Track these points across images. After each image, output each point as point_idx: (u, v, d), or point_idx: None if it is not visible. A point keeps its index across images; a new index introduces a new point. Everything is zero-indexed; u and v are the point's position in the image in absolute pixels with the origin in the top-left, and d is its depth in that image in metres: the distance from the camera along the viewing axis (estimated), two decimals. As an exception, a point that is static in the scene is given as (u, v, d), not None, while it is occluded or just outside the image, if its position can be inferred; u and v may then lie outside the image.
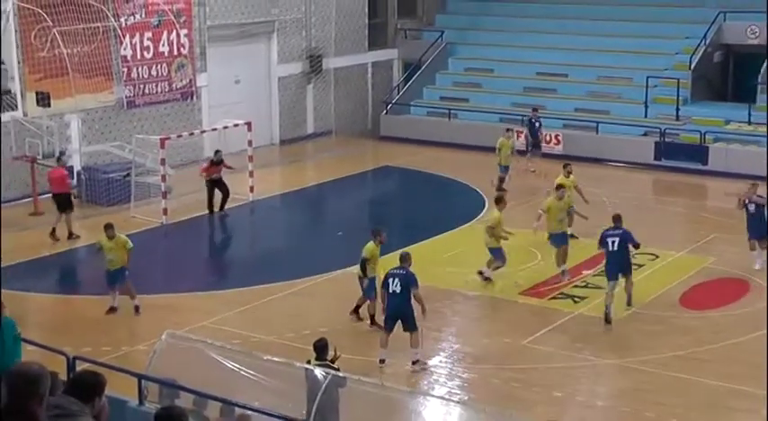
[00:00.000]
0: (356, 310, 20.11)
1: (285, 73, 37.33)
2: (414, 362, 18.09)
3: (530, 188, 29.50)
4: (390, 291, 18.10)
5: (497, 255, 21.84)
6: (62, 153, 27.07)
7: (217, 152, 27.84)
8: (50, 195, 26.10)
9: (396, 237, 25.75)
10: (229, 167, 27.76)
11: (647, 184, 32.21)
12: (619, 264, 20.32)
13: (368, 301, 19.83)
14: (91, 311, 20.92)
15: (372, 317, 19.77)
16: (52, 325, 20.23)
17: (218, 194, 27.62)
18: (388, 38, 41.77)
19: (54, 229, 25.45)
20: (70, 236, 25.58)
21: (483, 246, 22.32)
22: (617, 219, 20.66)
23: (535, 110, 33.11)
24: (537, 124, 32.49)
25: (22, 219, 26.99)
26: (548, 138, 34.86)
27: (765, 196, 22.97)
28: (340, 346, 15.11)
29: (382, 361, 18.16)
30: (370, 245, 19.92)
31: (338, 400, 13.68)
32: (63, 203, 25.53)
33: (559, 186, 23.41)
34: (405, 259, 18.54)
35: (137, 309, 20.51)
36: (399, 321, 18.07)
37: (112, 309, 20.58)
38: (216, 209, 27.77)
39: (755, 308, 20.83)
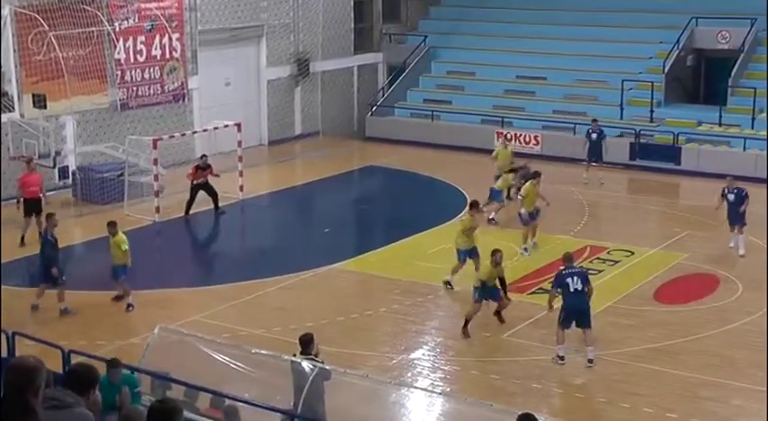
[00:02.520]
0: (500, 315, 19.51)
1: (274, 76, 37.31)
2: (590, 361, 17.86)
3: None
4: (572, 289, 17.81)
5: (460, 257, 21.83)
6: (31, 159, 26.44)
7: (203, 157, 27.79)
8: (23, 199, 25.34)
9: (381, 234, 25.89)
10: (216, 175, 27.50)
11: (623, 184, 32.29)
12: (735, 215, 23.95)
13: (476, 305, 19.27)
14: (86, 306, 20.88)
15: (467, 322, 19.27)
16: (48, 319, 20.16)
17: (202, 199, 27.43)
18: (373, 42, 41.77)
19: (23, 236, 24.79)
20: (41, 236, 25.18)
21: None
22: (733, 179, 24.31)
23: (595, 120, 31.82)
24: (594, 135, 31.16)
25: (19, 217, 26.86)
26: (527, 138, 34.98)
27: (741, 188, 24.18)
28: (325, 340, 15.14)
29: (562, 357, 17.95)
30: (489, 268, 19.20)
31: (324, 392, 13.73)
32: (32, 208, 24.97)
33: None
34: (572, 259, 18.55)
35: (128, 306, 20.42)
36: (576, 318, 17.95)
37: (118, 298, 20.69)
38: (190, 211, 27.53)
39: (725, 302, 20.99)
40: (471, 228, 21.79)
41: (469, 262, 21.51)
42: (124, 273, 20.50)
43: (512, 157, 28.65)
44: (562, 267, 18.45)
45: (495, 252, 19.29)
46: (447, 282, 21.75)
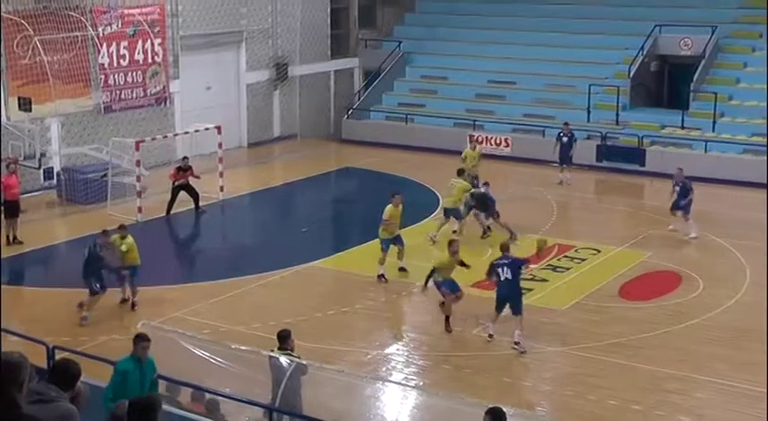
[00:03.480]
0: (447, 320, 19.39)
1: (253, 80, 37.23)
2: (516, 344, 18.27)
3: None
4: (502, 278, 18.35)
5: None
6: (11, 162, 26.07)
7: (184, 159, 27.72)
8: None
9: (356, 232, 25.86)
10: (196, 177, 27.45)
11: (590, 184, 32.38)
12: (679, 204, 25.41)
13: (453, 296, 19.30)
14: (70, 303, 20.77)
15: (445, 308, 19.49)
16: (33, 316, 20.03)
17: (184, 199, 27.40)
18: (349, 47, 41.75)
19: (8, 237, 24.58)
20: (14, 240, 24.66)
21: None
22: (680, 170, 25.90)
23: (566, 124, 31.68)
24: (565, 139, 31.09)
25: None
26: (498, 141, 35.06)
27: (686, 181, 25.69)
28: (303, 335, 15.12)
29: (491, 335, 18.50)
30: (445, 257, 19.45)
31: (301, 386, 13.71)
32: (13, 210, 24.64)
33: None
34: (507, 248, 18.85)
35: (132, 305, 20.39)
36: (508, 304, 18.47)
37: (124, 301, 20.55)
38: (171, 211, 27.53)
39: (687, 298, 21.11)
40: (392, 218, 22.26)
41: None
42: (134, 274, 20.41)
43: (479, 159, 28.67)
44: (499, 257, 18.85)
45: (451, 242, 19.71)
46: (381, 275, 22.11)
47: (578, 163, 32.02)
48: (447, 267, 19.34)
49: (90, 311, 19.63)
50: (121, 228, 20.70)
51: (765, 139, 31.94)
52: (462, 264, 19.59)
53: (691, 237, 25.30)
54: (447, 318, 19.28)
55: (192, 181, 27.28)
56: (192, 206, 27.56)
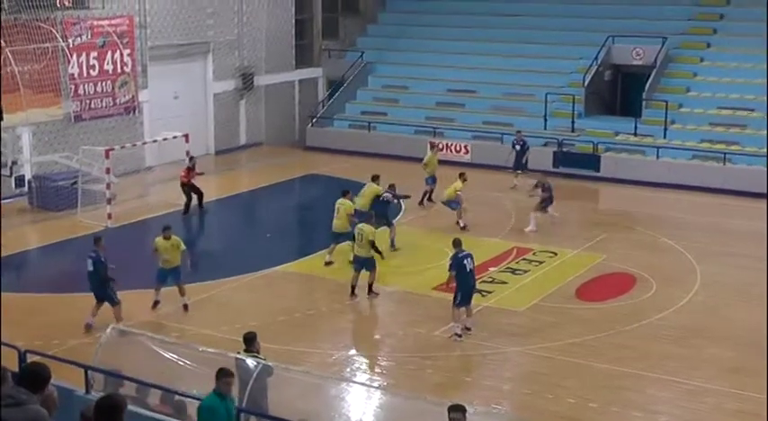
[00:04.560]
0: (371, 288, 21.01)
1: (220, 89, 37.11)
2: (467, 329, 18.92)
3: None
4: (468, 269, 18.70)
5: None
6: None
7: (191, 158, 28.17)
8: None
9: (321, 237, 25.77)
10: (200, 174, 28.37)
11: (547, 190, 32.48)
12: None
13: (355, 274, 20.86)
14: (40, 307, 20.60)
15: (354, 288, 20.96)
16: (5, 320, 19.78)
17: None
18: (313, 57, 41.71)
19: None
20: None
21: (399, 245, 22.36)
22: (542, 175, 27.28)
23: (519, 132, 32.06)
24: (518, 146, 31.44)
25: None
26: (458, 147, 35.13)
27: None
28: (269, 338, 15.06)
29: (459, 335, 18.67)
30: (371, 229, 21.03)
31: (267, 387, 13.66)
32: None
33: None
34: (460, 242, 19.20)
35: (185, 307, 20.35)
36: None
37: (157, 303, 20.41)
38: (186, 210, 28.16)
39: (641, 299, 21.25)
40: (350, 214, 23.31)
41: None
42: (179, 272, 20.35)
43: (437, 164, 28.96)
44: (455, 251, 19.00)
45: (369, 216, 21.52)
46: (329, 262, 23.36)
47: (536, 169, 32.09)
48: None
49: (122, 320, 18.89)
50: (166, 229, 20.52)
51: (714, 145, 32.29)
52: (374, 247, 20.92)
53: (554, 217, 26.68)
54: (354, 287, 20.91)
55: (194, 179, 27.99)
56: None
